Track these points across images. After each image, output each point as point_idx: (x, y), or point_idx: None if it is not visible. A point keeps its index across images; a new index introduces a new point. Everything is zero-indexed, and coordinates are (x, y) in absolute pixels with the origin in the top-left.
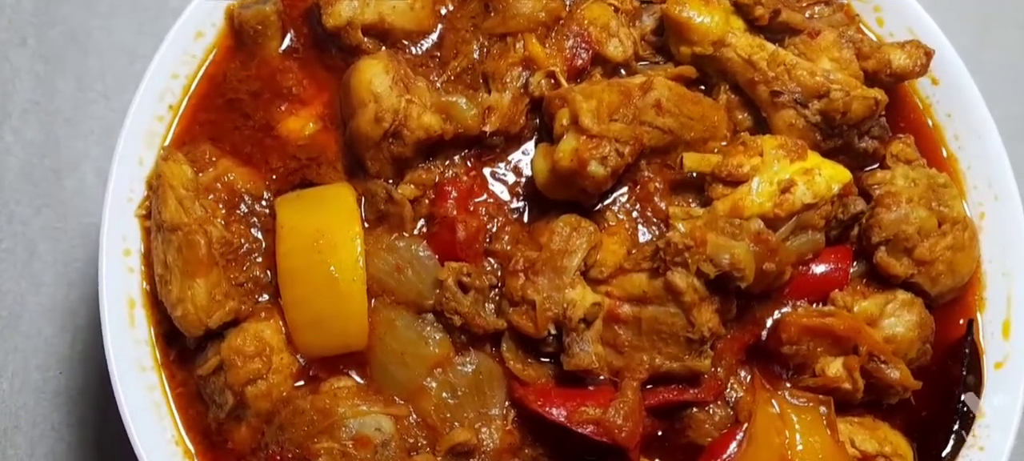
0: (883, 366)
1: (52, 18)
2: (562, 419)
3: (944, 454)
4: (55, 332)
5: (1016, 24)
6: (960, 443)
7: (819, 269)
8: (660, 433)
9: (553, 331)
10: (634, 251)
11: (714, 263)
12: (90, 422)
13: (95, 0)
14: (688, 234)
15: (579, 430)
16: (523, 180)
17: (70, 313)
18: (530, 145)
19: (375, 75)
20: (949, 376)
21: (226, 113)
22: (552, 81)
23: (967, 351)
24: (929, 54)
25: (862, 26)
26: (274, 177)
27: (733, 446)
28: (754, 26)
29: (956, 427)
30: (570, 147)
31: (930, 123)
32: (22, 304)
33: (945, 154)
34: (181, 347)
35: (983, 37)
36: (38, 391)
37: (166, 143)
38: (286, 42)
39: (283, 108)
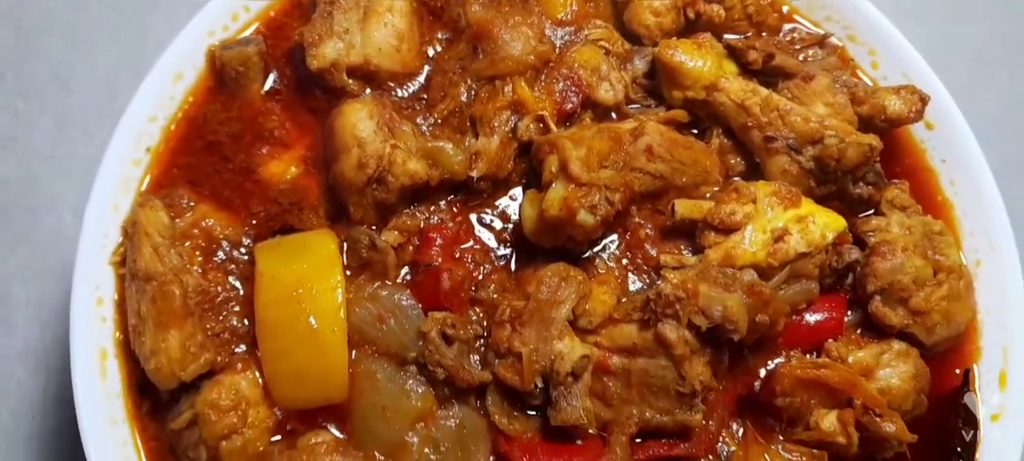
0: (878, 420)
1: (32, 52)
2: None
3: None
4: (28, 375)
5: (1012, 65)
6: None
7: (813, 318)
8: None
9: (540, 384)
10: (624, 300)
11: (706, 315)
12: None
13: (75, 34)
14: (680, 286)
15: None
16: (510, 226)
17: (44, 355)
18: (518, 190)
19: (359, 119)
20: (945, 428)
21: (206, 156)
22: (541, 125)
23: (963, 403)
24: (924, 100)
25: (857, 70)
26: (254, 222)
27: None
28: (747, 70)
29: None
30: (558, 196)
31: (926, 168)
32: None
33: (941, 200)
34: (154, 398)
35: (978, 78)
36: (9, 436)
37: (143, 188)
38: (269, 83)
39: (264, 151)
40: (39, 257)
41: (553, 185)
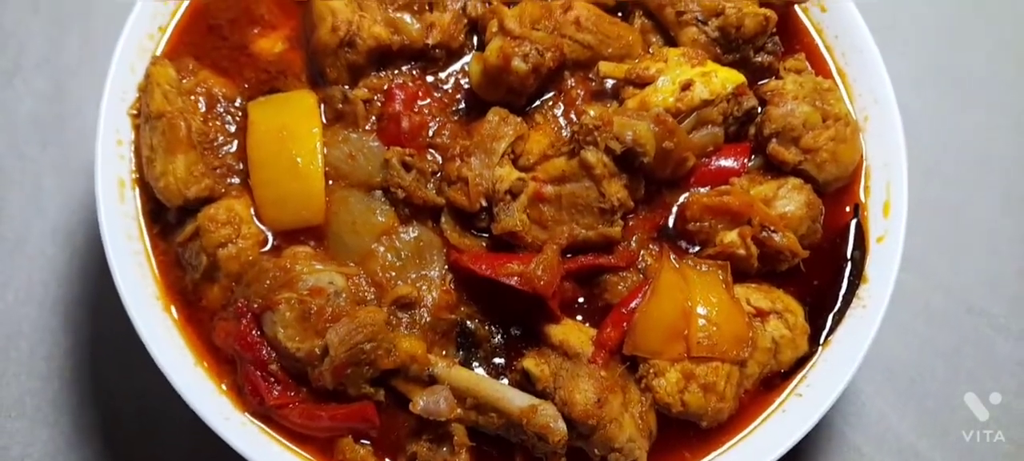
0: (773, 234)
1: None
2: (489, 273)
3: (834, 312)
4: (56, 251)
5: None
6: (847, 303)
7: (720, 162)
8: (581, 299)
9: (484, 204)
10: (557, 144)
11: (619, 140)
12: (84, 327)
13: None
14: (597, 117)
15: (504, 280)
16: (462, 89)
17: (70, 235)
18: (469, 58)
19: None
20: (838, 252)
21: (207, 36)
22: (487, 5)
23: (853, 229)
24: None
25: None
26: (247, 86)
27: (638, 300)
28: None
29: (844, 291)
30: (496, 46)
31: (821, 45)
32: (28, 227)
33: (835, 70)
34: (164, 223)
35: None
36: (39, 302)
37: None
38: None
39: (255, 31)
40: (67, 154)
41: (492, 40)
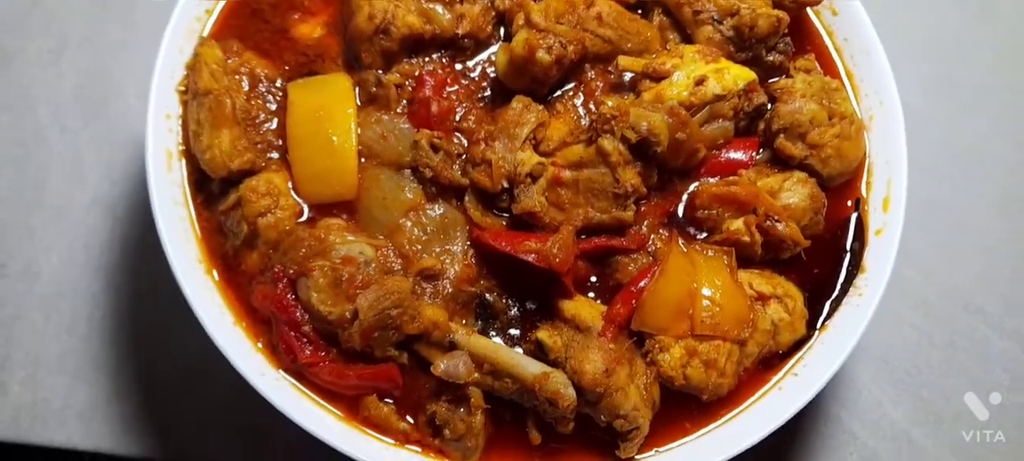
0: (777, 224)
1: None
2: (509, 249)
3: (832, 298)
4: (97, 220)
5: None
6: (845, 291)
7: (730, 154)
8: (593, 277)
9: (506, 185)
10: (576, 132)
11: (635, 130)
12: (123, 292)
13: None
14: (615, 107)
15: (521, 256)
16: (488, 78)
17: (110, 206)
18: (496, 47)
19: None
20: (839, 243)
21: (250, 20)
22: None
23: (854, 222)
24: None
25: None
26: (287, 68)
27: (647, 279)
28: None
29: (842, 279)
30: (522, 38)
31: (831, 47)
32: (70, 197)
33: (844, 71)
34: (207, 193)
35: None
36: (81, 267)
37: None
38: None
39: (296, 17)
40: (109, 129)
41: (519, 32)
